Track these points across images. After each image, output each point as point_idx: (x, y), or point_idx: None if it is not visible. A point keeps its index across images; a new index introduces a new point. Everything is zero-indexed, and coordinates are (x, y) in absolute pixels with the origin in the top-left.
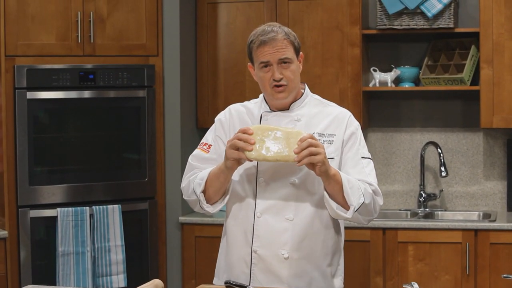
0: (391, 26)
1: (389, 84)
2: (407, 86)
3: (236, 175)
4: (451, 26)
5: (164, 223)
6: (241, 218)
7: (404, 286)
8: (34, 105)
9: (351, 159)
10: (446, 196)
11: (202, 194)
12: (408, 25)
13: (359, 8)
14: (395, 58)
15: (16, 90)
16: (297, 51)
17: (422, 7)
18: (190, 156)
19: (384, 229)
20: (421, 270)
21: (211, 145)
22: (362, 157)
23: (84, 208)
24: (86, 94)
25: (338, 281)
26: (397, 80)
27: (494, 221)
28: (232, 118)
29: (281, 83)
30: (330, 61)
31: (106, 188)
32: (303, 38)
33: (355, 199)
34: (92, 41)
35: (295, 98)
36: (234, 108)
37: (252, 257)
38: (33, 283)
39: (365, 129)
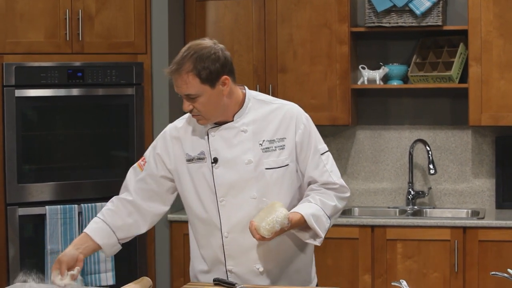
0: (380, 24)
1: (377, 82)
2: (395, 83)
3: (195, 199)
4: (440, 23)
5: None
6: (209, 240)
7: (392, 283)
8: (23, 103)
9: (311, 161)
10: (434, 194)
11: None
12: (397, 23)
13: (348, 6)
14: (384, 56)
15: (5, 88)
16: (209, 80)
17: (410, 5)
18: (131, 169)
19: (372, 227)
20: (410, 268)
21: (146, 162)
22: (321, 154)
23: (73, 206)
24: (75, 91)
25: (313, 275)
26: (386, 78)
27: (482, 218)
28: (167, 143)
29: (193, 113)
30: (318, 58)
31: (95, 186)
32: (292, 36)
33: (322, 229)
34: (80, 39)
35: (239, 107)
36: (170, 133)
37: (228, 276)
38: (22, 281)
39: (354, 126)
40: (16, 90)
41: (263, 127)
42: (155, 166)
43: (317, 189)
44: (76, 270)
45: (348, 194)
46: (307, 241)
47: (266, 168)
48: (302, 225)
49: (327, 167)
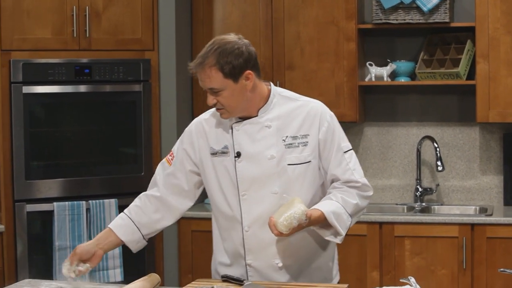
0: (387, 21)
1: (385, 79)
2: (403, 80)
3: (218, 192)
4: (447, 20)
5: None
6: (230, 234)
7: (400, 280)
8: (30, 100)
9: (334, 158)
10: (442, 191)
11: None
12: (404, 20)
13: (355, 3)
14: (391, 53)
15: (12, 85)
16: (232, 75)
17: (417, 2)
18: (159, 164)
19: (380, 223)
20: (418, 265)
21: (174, 156)
22: (344, 152)
23: (81, 202)
24: (82, 88)
25: (335, 272)
26: (393, 75)
27: (490, 215)
28: (193, 137)
29: (217, 107)
30: (325, 56)
31: (103, 183)
32: (299, 33)
33: (343, 227)
34: (87, 36)
35: (264, 102)
36: (196, 126)
37: (248, 270)
38: (30, 277)
39: (361, 123)
40: (23, 87)
41: (287, 123)
42: (183, 161)
43: (339, 187)
44: (84, 267)
45: (370, 193)
46: (328, 238)
47: (288, 164)
48: (322, 222)
49: (350, 165)
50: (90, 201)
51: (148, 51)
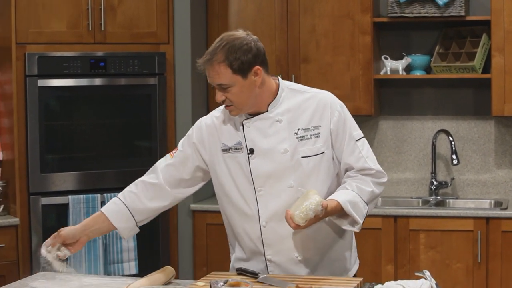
0: (402, 14)
1: (400, 72)
2: (418, 74)
3: (234, 189)
4: (462, 14)
5: (175, 211)
6: (245, 230)
7: (415, 273)
8: (45, 93)
9: (346, 147)
10: (457, 184)
11: None
12: (419, 13)
13: None
14: (406, 46)
15: (27, 78)
16: (240, 71)
17: None
18: (162, 158)
19: (395, 217)
20: (433, 258)
21: (178, 150)
22: (356, 140)
23: (96, 195)
24: (97, 81)
25: (353, 261)
26: (408, 68)
27: (505, 209)
28: (203, 133)
29: (226, 103)
30: (341, 49)
31: (117, 176)
32: (314, 26)
33: (360, 216)
34: (103, 29)
35: (273, 97)
36: (206, 123)
37: (268, 265)
38: (45, 270)
39: (376, 117)
40: (39, 80)
41: (298, 116)
42: (192, 154)
43: (354, 176)
44: (63, 253)
45: (385, 179)
46: (345, 227)
47: (302, 157)
48: (339, 212)
49: (362, 153)
50: (105, 194)
51: (163, 44)
